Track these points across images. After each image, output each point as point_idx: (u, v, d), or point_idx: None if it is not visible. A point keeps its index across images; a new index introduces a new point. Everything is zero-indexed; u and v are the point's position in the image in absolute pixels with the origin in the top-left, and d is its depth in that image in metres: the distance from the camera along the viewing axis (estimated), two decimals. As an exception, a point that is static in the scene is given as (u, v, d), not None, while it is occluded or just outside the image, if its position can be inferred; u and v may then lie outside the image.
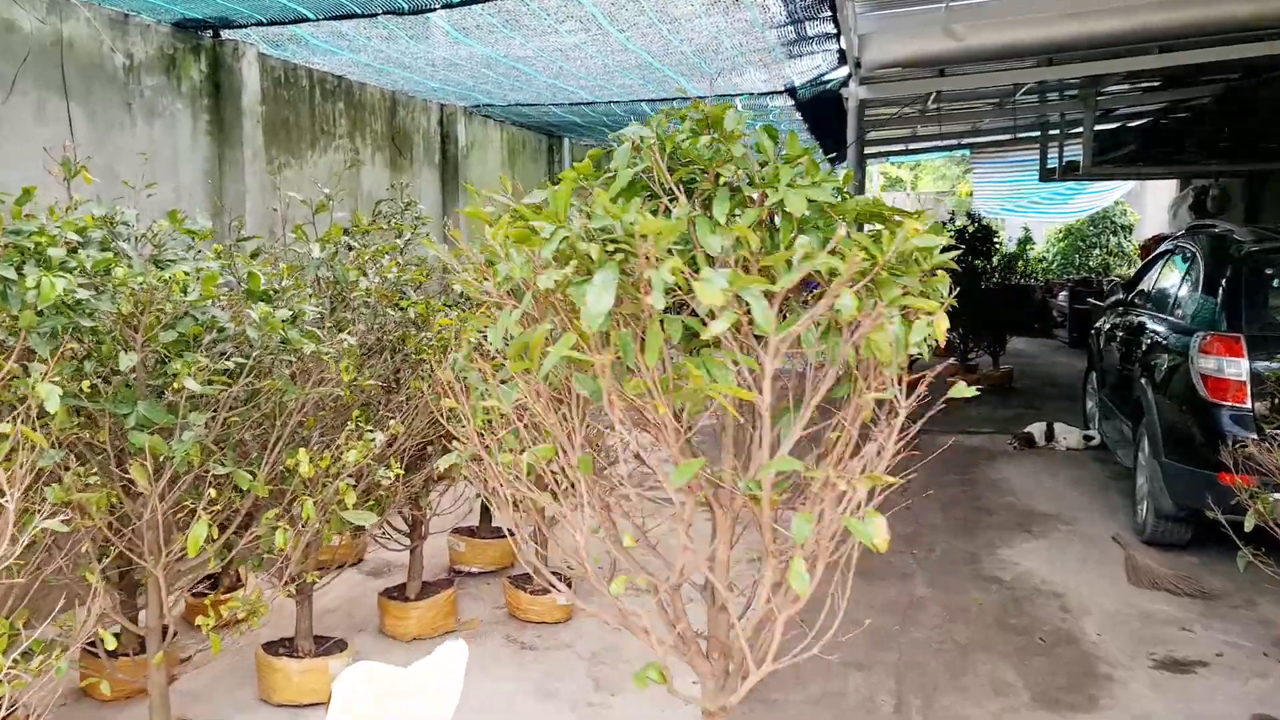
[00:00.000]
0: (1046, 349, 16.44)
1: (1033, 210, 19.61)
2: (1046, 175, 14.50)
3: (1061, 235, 20.38)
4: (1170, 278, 7.11)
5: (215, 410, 3.45)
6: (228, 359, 3.54)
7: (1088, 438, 9.02)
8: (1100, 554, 6.27)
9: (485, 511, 6.00)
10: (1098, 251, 18.94)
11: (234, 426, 3.59)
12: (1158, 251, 7.89)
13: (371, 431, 3.67)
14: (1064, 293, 16.73)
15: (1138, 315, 7.38)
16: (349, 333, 3.89)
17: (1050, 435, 9.12)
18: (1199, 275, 6.35)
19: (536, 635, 5.07)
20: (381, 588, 5.29)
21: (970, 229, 12.50)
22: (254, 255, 4.53)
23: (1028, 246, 17.22)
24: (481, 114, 10.33)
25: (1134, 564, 5.95)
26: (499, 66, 7.19)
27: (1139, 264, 10.55)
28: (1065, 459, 8.74)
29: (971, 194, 24.90)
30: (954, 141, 16.87)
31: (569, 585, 5.27)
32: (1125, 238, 19.26)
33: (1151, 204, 19.15)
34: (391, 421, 3.64)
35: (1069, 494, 7.61)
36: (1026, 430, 9.22)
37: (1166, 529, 6.16)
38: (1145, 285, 7.74)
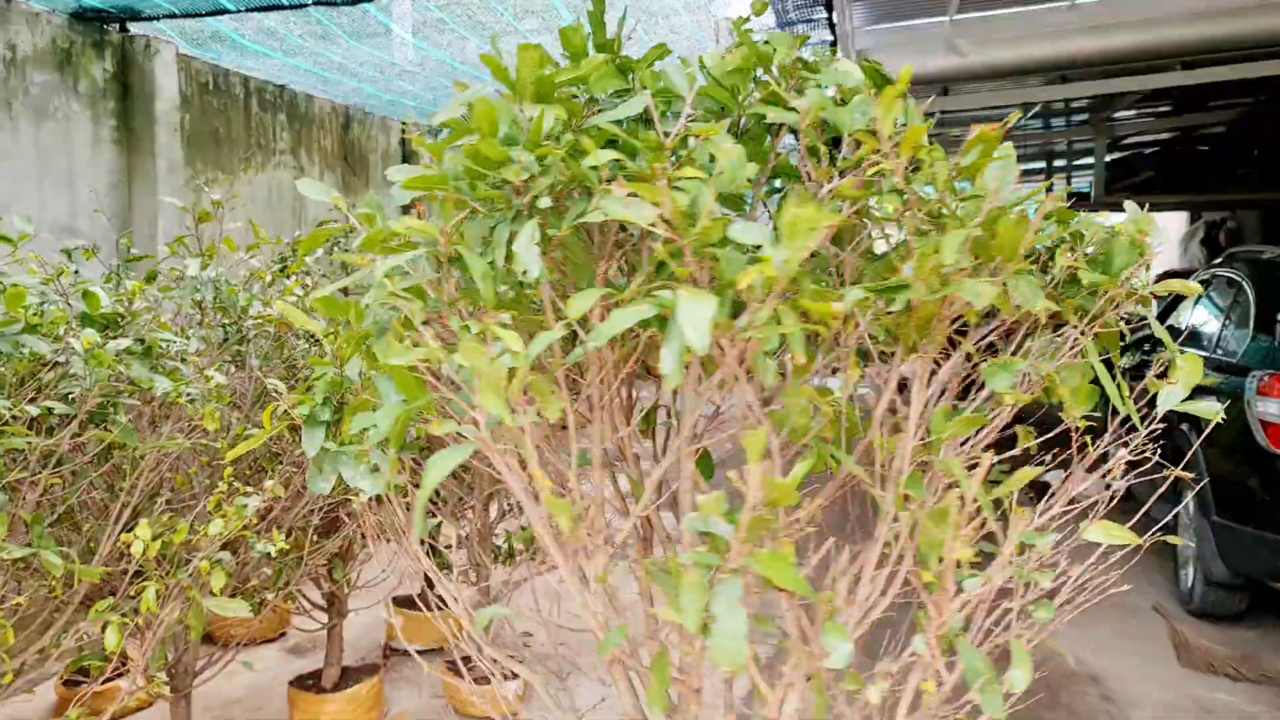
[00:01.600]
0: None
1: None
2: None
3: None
4: (1209, 311, 6.34)
5: (31, 470, 2.65)
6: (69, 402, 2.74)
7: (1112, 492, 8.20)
8: (1140, 626, 5.44)
9: (428, 579, 5.16)
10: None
11: (62, 491, 2.78)
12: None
13: (247, 494, 2.86)
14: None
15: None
16: (224, 368, 3.09)
17: (1068, 485, 8.29)
18: (1248, 307, 5.58)
19: (478, 734, 4.23)
20: (303, 670, 4.45)
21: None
22: (150, 278, 3.75)
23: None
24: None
25: (1183, 641, 5.12)
26: (457, 74, 6.46)
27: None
28: (1087, 515, 7.90)
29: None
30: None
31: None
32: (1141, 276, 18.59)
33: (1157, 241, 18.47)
34: (269, 482, 2.84)
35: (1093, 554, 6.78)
36: (1043, 481, 8.40)
37: (1218, 598, 5.33)
38: (1177, 319, 6.97)
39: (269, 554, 2.94)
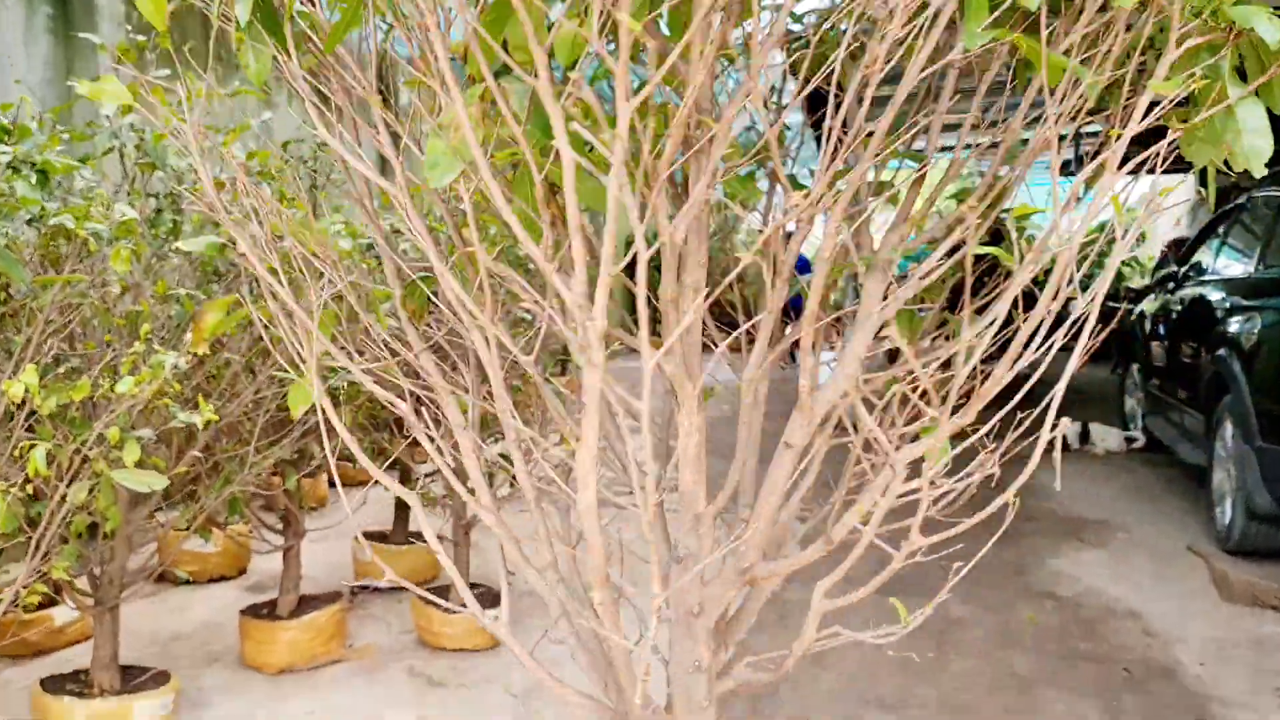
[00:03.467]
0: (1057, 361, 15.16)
1: (1040, 218, 18.47)
2: (1062, 170, 13.32)
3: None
4: (1247, 236, 5.91)
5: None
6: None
7: (1129, 439, 7.78)
8: (1175, 567, 5.00)
9: (400, 511, 4.72)
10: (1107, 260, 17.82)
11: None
12: (1220, 214, 6.68)
13: (163, 353, 2.41)
14: (1073, 301, 15.54)
15: (1202, 286, 6.17)
16: (136, 202, 2.64)
17: (1085, 437, 7.87)
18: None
19: (450, 667, 3.78)
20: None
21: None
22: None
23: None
24: None
25: (1224, 577, 4.69)
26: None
27: (1152, 272, 9.41)
28: (1106, 463, 7.47)
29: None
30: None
31: (498, 600, 3.98)
32: (1137, 245, 18.22)
33: (1165, 214, 18.06)
34: (188, 335, 2.39)
35: (1119, 499, 6.35)
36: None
37: (1261, 533, 4.89)
38: (1205, 254, 6.55)
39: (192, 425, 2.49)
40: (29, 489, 2.28)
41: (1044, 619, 4.29)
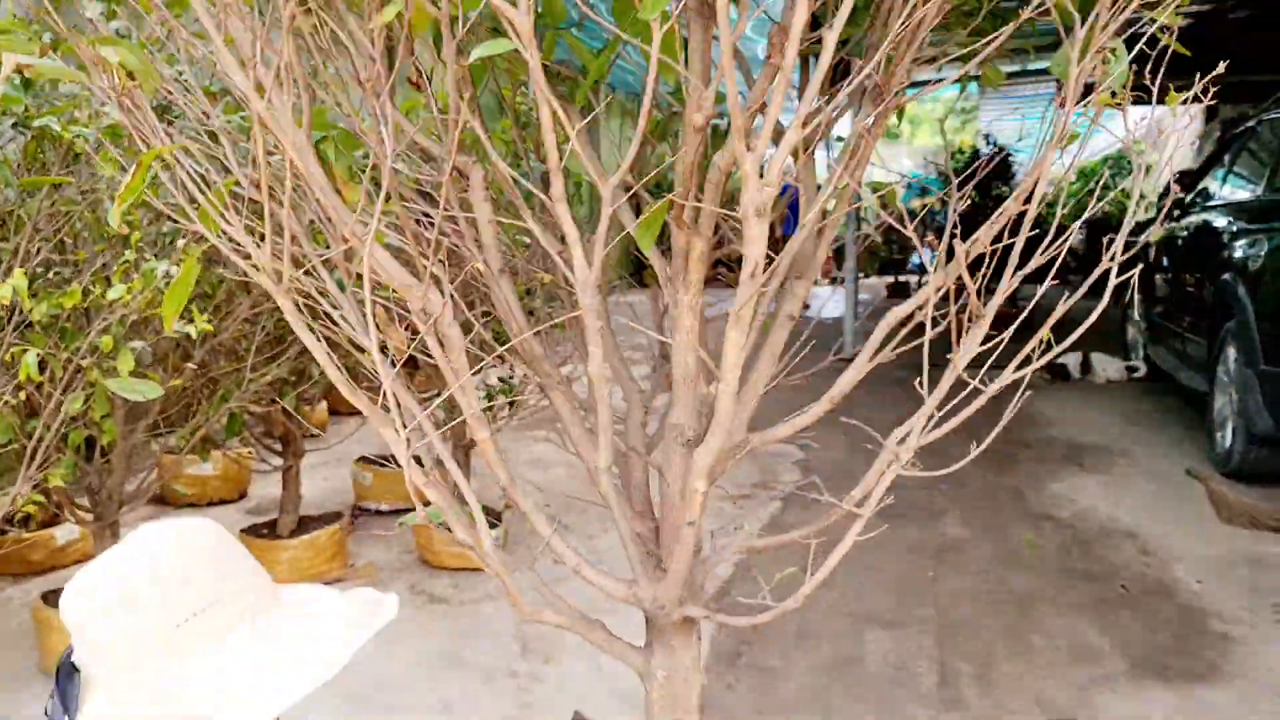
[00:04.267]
0: (1053, 293, 15.07)
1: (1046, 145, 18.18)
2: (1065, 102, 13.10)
3: (1074, 177, 19.12)
4: (1254, 161, 5.83)
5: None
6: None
7: (1130, 368, 7.76)
8: (1174, 490, 5.01)
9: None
10: (1111, 193, 17.65)
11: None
12: (1227, 139, 6.59)
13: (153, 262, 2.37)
14: (1078, 235, 15.43)
15: (1208, 213, 6.10)
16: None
17: (1087, 366, 7.85)
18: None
19: (452, 585, 3.80)
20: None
21: (983, 154, 11.20)
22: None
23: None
24: None
25: (1222, 498, 4.70)
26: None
27: (1157, 203, 9.25)
28: (1106, 391, 7.47)
29: (975, 146, 23.60)
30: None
31: (499, 520, 4.00)
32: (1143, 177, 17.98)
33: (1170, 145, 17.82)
34: (180, 241, 2.35)
35: (1119, 426, 6.35)
36: (1058, 361, 7.95)
37: (1260, 456, 4.89)
38: (1214, 179, 6.46)
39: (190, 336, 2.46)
40: (22, 395, 2.26)
41: (1042, 541, 4.30)
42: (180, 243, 2.56)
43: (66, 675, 1.02)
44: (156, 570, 1.01)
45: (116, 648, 0.99)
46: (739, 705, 2.95)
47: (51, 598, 3.08)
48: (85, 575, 1.03)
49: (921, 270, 11.45)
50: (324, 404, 5.64)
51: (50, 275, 2.46)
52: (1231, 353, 5.10)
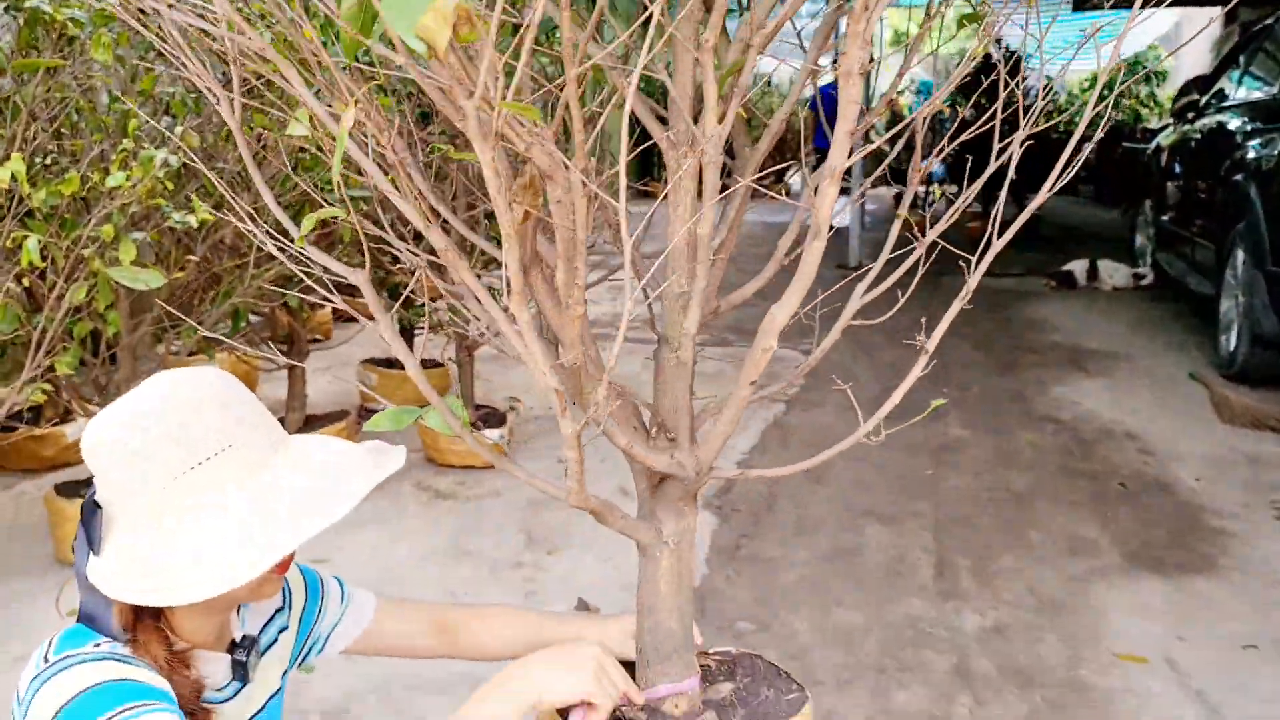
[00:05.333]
0: (1064, 203, 14.93)
1: (1061, 59, 17.82)
2: (1080, 3, 12.78)
3: (1088, 84, 18.71)
4: (1269, 62, 5.71)
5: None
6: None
7: (1138, 275, 7.72)
8: (1177, 393, 5.03)
9: (405, 336, 4.73)
10: (1126, 101, 17.29)
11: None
12: (1242, 41, 6.44)
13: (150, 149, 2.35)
14: (1089, 145, 15.16)
15: (1223, 113, 6.00)
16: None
17: (1094, 273, 7.81)
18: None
19: (457, 482, 3.85)
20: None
21: (995, 58, 10.95)
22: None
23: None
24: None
25: (1224, 399, 4.72)
26: None
27: (1171, 108, 9.09)
28: (1113, 298, 7.45)
29: (987, 52, 23.07)
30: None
31: (503, 421, 4.04)
32: (1157, 85, 17.58)
33: (1189, 52, 17.42)
34: (179, 129, 2.31)
35: (1125, 332, 6.34)
36: (1065, 268, 7.91)
37: (1264, 359, 4.90)
38: (1229, 81, 6.34)
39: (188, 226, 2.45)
40: (25, 282, 2.27)
41: (1043, 441, 4.34)
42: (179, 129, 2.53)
43: (90, 512, 1.05)
44: (175, 406, 1.04)
45: (135, 484, 1.02)
46: (740, 595, 3.01)
47: (64, 490, 3.13)
48: (107, 413, 1.06)
49: (929, 181, 11.30)
50: (328, 308, 5.64)
51: (48, 164, 2.45)
52: (1240, 255, 5.07)
